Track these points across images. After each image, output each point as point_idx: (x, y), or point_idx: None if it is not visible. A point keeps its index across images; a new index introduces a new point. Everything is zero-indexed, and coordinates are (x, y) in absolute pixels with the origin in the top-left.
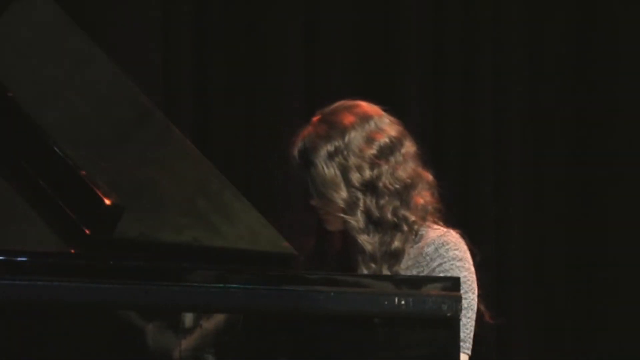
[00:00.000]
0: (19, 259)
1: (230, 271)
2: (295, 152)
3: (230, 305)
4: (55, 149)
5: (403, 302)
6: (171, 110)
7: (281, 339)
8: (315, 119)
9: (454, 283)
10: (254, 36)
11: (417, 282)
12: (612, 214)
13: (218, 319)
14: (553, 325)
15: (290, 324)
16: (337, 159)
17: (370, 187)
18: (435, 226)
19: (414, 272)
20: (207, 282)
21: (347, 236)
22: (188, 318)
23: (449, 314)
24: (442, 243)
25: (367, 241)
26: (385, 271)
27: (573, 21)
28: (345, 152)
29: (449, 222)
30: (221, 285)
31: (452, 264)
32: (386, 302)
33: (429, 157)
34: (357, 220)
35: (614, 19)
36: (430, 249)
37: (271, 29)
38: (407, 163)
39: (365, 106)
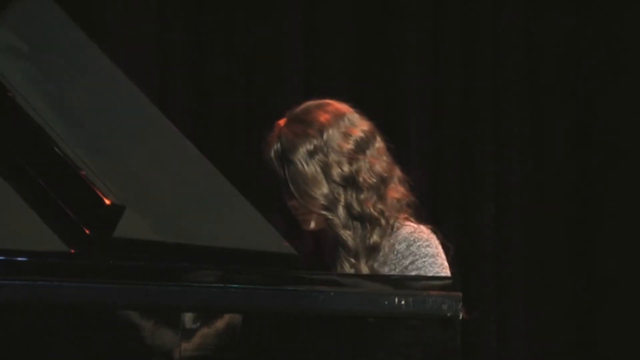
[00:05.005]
0: (19, 259)
1: (230, 271)
2: (272, 153)
3: (230, 305)
4: (55, 149)
5: (403, 302)
6: (169, 109)
7: (281, 339)
8: (285, 120)
9: (454, 283)
10: (252, 33)
11: (417, 282)
12: (614, 214)
13: (218, 319)
14: (553, 325)
15: (290, 324)
16: (317, 156)
17: (351, 181)
18: (408, 222)
19: (386, 269)
20: (207, 282)
21: (319, 236)
22: (188, 318)
23: (449, 314)
24: (414, 240)
25: (350, 236)
26: (364, 266)
27: (573, 22)
28: (325, 149)
29: (448, 221)
30: (221, 285)
31: (424, 261)
32: (386, 302)
33: (427, 156)
34: (339, 216)
35: (615, 22)
36: (401, 247)
37: (270, 27)
38: (382, 157)
39: (336, 104)
